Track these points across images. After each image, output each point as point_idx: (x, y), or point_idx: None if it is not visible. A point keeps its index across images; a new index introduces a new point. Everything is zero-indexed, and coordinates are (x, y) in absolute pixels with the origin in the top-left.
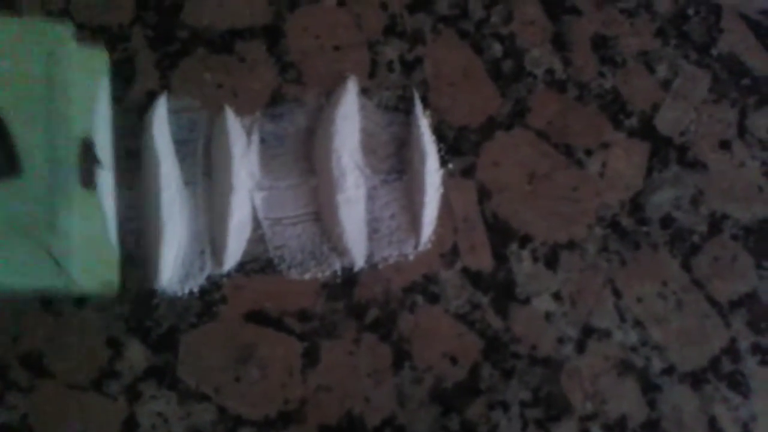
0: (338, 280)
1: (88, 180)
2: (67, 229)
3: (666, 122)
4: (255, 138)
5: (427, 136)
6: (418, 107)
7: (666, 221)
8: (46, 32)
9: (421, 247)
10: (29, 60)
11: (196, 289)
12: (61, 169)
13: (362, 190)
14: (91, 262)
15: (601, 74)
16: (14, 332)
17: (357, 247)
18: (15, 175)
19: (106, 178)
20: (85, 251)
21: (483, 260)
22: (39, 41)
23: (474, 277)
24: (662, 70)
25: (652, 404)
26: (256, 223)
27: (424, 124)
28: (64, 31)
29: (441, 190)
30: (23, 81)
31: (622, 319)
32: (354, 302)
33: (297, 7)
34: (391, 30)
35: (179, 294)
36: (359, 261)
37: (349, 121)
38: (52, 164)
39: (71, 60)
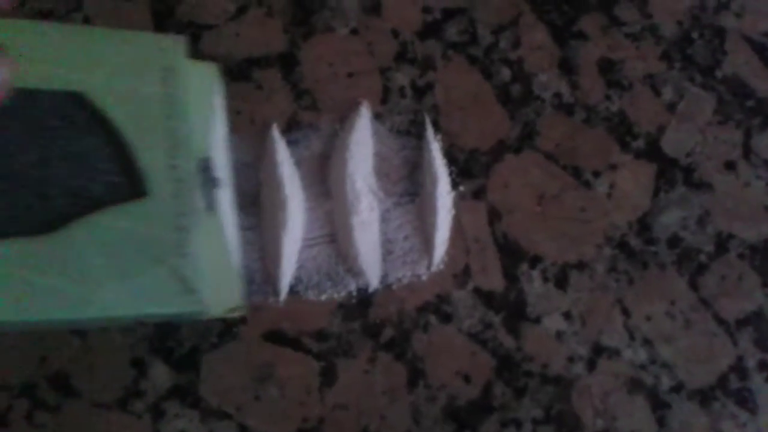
0: (354, 301)
1: (209, 201)
2: (195, 252)
3: (672, 144)
4: None
5: (439, 160)
6: (430, 131)
7: (673, 241)
8: (159, 47)
9: (433, 268)
10: (145, 77)
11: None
12: (185, 191)
13: (376, 212)
14: (217, 286)
15: (608, 97)
16: (41, 353)
17: (372, 269)
18: (140, 197)
19: (225, 199)
20: (212, 275)
21: (494, 280)
22: (153, 57)
23: (486, 297)
24: (668, 93)
25: (661, 421)
26: None
27: (435, 147)
28: (177, 44)
29: (453, 212)
30: (141, 99)
31: (632, 338)
32: (369, 322)
33: (311, 36)
34: (402, 57)
35: None
36: (374, 282)
37: (363, 145)
38: (176, 186)
39: (186, 76)
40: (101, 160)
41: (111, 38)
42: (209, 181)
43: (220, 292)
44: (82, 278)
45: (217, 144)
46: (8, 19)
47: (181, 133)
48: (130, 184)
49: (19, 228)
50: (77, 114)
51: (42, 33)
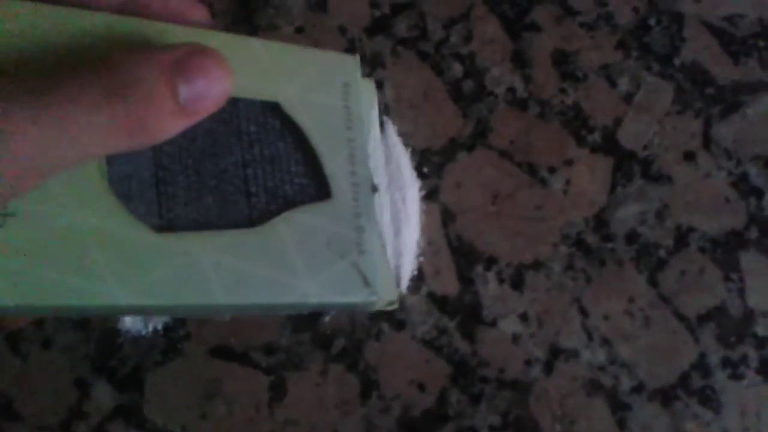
0: (304, 311)
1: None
2: (371, 249)
3: (629, 136)
4: None
5: (404, 158)
6: (391, 131)
7: (631, 237)
8: (341, 64)
9: None
10: (330, 91)
11: (159, 326)
12: (362, 194)
13: None
14: (382, 282)
15: (563, 90)
16: None
17: None
18: (325, 198)
19: (381, 202)
20: (379, 271)
21: (448, 284)
22: (336, 72)
23: (440, 302)
24: (624, 83)
25: (621, 423)
26: None
27: (398, 149)
28: (355, 62)
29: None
30: (326, 111)
31: (590, 338)
32: (320, 333)
33: (255, 35)
34: (350, 54)
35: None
36: None
37: None
38: (354, 190)
39: (360, 90)
40: (292, 164)
41: (301, 54)
42: (372, 187)
43: (384, 287)
44: (284, 268)
45: (375, 151)
46: (217, 32)
47: (357, 143)
48: (317, 187)
49: (229, 221)
50: (272, 122)
51: (245, 47)
